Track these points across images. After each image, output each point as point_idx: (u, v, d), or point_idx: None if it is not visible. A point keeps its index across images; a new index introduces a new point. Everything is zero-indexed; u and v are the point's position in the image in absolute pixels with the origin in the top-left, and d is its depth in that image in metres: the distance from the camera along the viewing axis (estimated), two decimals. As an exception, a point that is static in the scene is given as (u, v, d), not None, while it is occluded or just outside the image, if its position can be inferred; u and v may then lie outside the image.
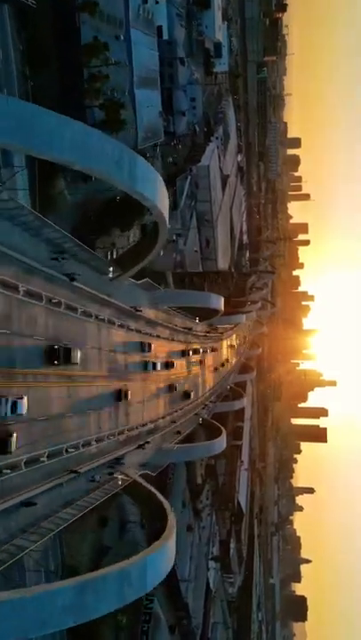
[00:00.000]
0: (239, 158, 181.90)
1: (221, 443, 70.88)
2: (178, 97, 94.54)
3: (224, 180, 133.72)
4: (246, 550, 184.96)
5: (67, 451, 34.16)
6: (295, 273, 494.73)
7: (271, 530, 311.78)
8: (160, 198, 35.66)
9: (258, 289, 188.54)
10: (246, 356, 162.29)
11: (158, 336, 57.06)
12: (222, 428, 76.58)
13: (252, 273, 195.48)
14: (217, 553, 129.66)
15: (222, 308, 74.86)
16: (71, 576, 30.06)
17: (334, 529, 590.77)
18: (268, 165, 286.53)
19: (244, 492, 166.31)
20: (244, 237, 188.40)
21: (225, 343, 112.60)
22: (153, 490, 40.61)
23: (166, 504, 38.13)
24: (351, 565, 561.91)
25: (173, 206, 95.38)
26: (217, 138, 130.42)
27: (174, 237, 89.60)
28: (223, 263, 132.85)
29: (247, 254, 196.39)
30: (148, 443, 47.50)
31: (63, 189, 55.52)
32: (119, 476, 38.07)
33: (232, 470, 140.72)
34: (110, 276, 39.47)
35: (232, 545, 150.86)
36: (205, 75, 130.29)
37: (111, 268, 39.92)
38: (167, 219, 38.20)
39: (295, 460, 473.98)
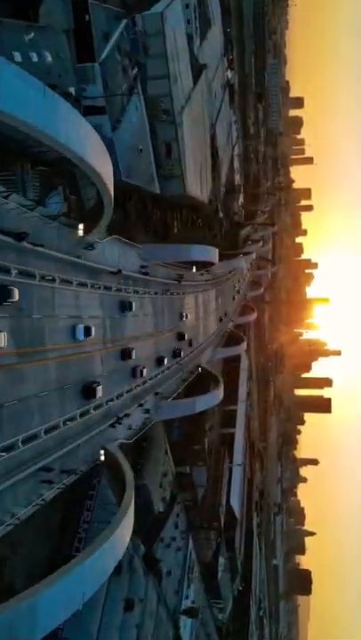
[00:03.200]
0: (229, 75, 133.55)
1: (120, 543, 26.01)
2: None
3: (198, 69, 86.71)
4: (243, 555, 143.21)
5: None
6: (298, 240, 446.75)
7: (274, 510, 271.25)
8: None
9: (254, 241, 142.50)
10: (236, 322, 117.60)
11: None
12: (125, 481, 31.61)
13: (246, 225, 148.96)
14: (194, 597, 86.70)
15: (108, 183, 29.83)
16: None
17: (339, 500, 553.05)
18: (269, 110, 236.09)
19: (237, 494, 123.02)
20: (237, 177, 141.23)
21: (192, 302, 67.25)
22: None
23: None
24: (356, 537, 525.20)
25: (79, 49, 49.17)
26: (187, 6, 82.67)
27: (71, 90, 43.58)
28: (198, 192, 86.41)
29: (241, 198, 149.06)
30: None
31: None
32: None
33: (217, 477, 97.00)
34: None
35: (221, 565, 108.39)
36: None
37: None
38: None
39: (299, 432, 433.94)
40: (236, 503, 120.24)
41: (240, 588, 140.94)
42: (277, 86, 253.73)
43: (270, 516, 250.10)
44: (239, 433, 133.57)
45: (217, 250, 61.90)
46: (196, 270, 64.14)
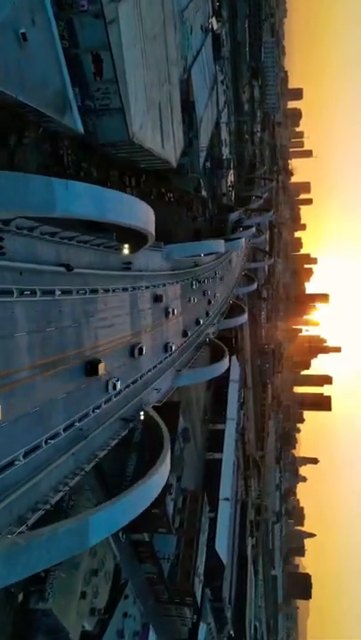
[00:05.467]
0: (214, 24, 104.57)
1: None
2: None
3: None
4: (234, 597, 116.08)
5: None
6: (297, 235, 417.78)
7: (272, 520, 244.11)
8: None
9: (246, 228, 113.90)
10: (224, 327, 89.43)
11: None
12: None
13: (238, 209, 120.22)
14: None
15: None
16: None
17: (339, 499, 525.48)
18: (265, 90, 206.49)
19: (224, 537, 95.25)
20: (225, 151, 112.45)
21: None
22: None
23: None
24: (357, 537, 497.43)
25: None
26: None
27: None
28: (157, 145, 57.70)
29: (231, 176, 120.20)
30: None
31: None
32: None
33: (190, 537, 68.89)
34: None
35: (203, 629, 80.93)
36: None
37: None
38: None
39: (298, 430, 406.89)
40: (222, 547, 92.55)
41: (231, 633, 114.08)
42: (275, 66, 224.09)
43: (269, 527, 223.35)
44: (228, 457, 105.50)
45: (150, 210, 31.96)
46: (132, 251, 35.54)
